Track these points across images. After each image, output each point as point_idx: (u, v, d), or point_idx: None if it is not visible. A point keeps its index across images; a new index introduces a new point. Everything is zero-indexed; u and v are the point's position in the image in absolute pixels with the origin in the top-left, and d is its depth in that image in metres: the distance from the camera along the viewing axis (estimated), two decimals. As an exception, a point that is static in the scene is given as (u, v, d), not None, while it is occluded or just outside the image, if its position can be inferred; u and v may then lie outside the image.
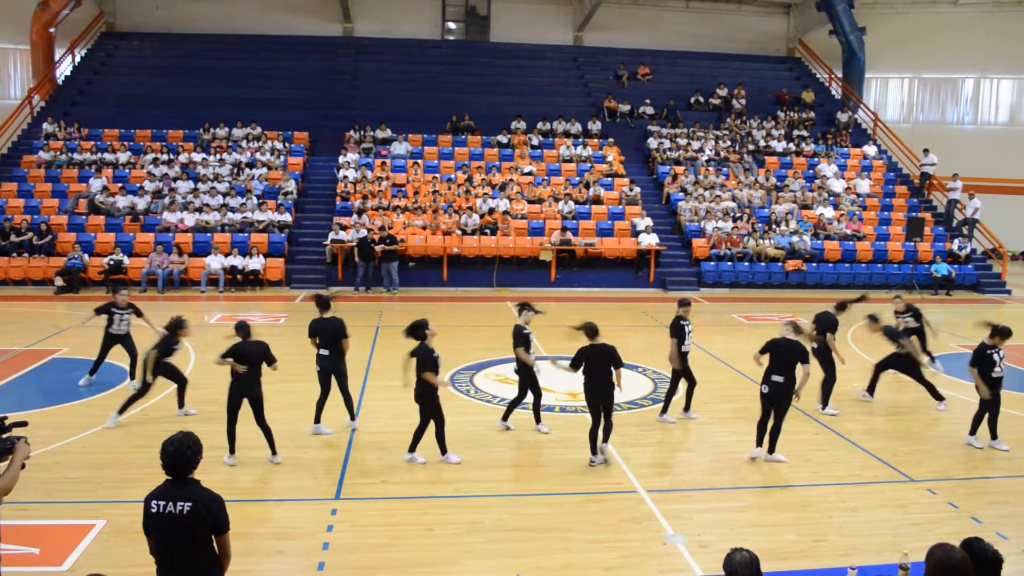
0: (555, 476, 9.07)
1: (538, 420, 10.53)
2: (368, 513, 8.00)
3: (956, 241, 26.04)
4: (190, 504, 4.86)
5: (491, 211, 24.33)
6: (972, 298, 24.30)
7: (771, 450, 9.58)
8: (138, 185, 24.54)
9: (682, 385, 11.26)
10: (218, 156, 26.29)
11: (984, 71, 36.20)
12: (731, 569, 4.24)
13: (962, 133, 36.28)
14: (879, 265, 24.99)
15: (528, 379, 10.28)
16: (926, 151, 29.42)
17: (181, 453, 4.90)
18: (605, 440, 9.38)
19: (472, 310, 20.09)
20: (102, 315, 12.29)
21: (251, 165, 26.08)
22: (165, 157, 25.89)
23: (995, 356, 10.02)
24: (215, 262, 21.81)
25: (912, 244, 24.89)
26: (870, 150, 30.42)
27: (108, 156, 25.81)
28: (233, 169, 25.78)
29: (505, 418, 10.60)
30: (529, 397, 10.49)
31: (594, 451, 9.37)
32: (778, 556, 7.19)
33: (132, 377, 12.30)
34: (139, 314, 12.42)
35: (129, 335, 12.40)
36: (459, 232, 23.61)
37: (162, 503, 4.86)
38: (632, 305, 21.11)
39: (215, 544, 4.99)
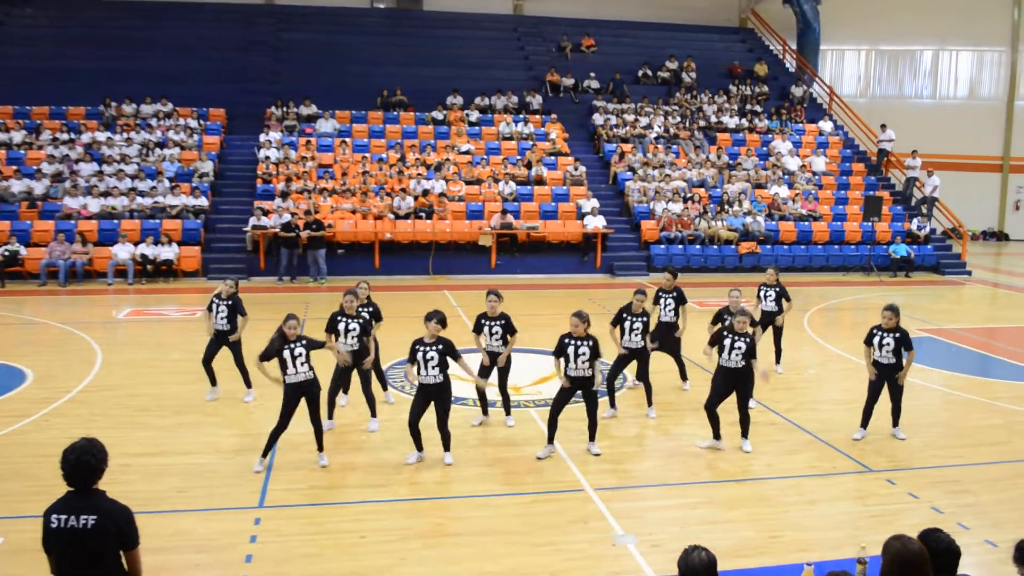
0: (497, 476, 9.08)
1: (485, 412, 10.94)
2: (295, 521, 7.92)
3: (915, 221, 26.70)
4: (95, 517, 4.75)
5: (426, 193, 24.20)
6: (932, 280, 24.96)
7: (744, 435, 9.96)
8: (35, 168, 23.85)
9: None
10: (125, 135, 25.66)
11: (943, 43, 37.15)
12: (687, 569, 4.27)
13: (921, 108, 37.23)
14: (836, 246, 25.52)
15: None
16: (883, 127, 30.10)
17: (84, 462, 4.78)
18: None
19: (407, 299, 19.95)
20: (210, 311, 11.40)
21: (162, 145, 25.52)
22: (65, 136, 25.19)
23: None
24: (123, 251, 21.33)
25: (870, 224, 25.46)
26: (826, 126, 31.00)
27: (1, 136, 25.03)
28: (142, 149, 25.19)
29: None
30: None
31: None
32: (733, 553, 7.29)
33: (249, 386, 11.60)
34: (233, 311, 11.34)
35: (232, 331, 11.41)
36: (392, 216, 23.44)
37: (64, 517, 4.73)
38: (578, 292, 21.20)
39: (124, 560, 4.88)
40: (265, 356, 8.91)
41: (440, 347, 9.14)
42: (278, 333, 9.00)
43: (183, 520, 7.90)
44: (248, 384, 11.60)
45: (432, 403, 9.20)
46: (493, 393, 10.95)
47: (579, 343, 9.35)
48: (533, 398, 11.80)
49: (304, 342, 9.02)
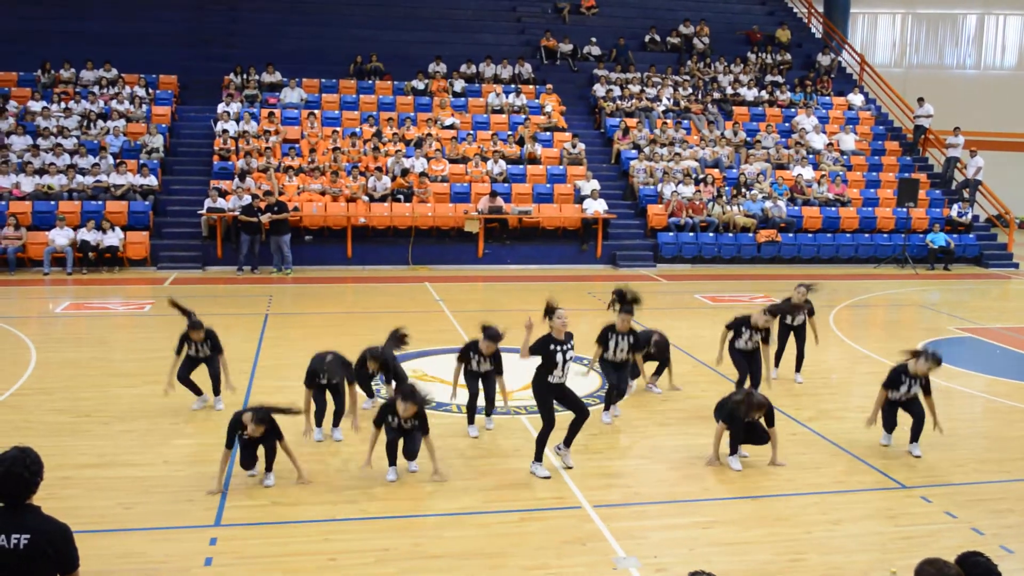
0: (484, 491, 9.10)
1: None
2: (256, 542, 7.93)
3: (955, 206, 26.77)
4: (28, 536, 4.76)
5: (405, 173, 24.18)
6: (974, 273, 25.07)
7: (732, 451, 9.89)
8: (-39, 141, 23.80)
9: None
10: (63, 104, 25.56)
11: (988, 6, 37.22)
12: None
13: (963, 79, 37.31)
14: (866, 235, 25.59)
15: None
16: (921, 100, 30.14)
17: (15, 474, 4.78)
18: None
19: (383, 293, 19.98)
20: (181, 352, 11.23)
21: (105, 116, 25.44)
22: (-5, 106, 25.14)
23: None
24: (61, 237, 21.26)
25: (904, 210, 25.53)
26: (856, 99, 31.05)
27: (-79, 105, 24.97)
28: (82, 121, 25.10)
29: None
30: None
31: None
32: (748, 580, 7.37)
33: (217, 393, 11.49)
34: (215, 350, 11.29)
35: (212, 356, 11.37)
36: (366, 199, 23.42)
37: (-8, 536, 4.75)
38: (576, 285, 21.23)
39: (61, 585, 4.89)
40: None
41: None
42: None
43: (130, 540, 7.90)
44: (217, 391, 11.51)
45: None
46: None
47: (565, 347, 9.33)
48: (525, 404, 11.81)
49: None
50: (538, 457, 9.53)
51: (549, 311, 9.39)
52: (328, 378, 10.11)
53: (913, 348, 10.33)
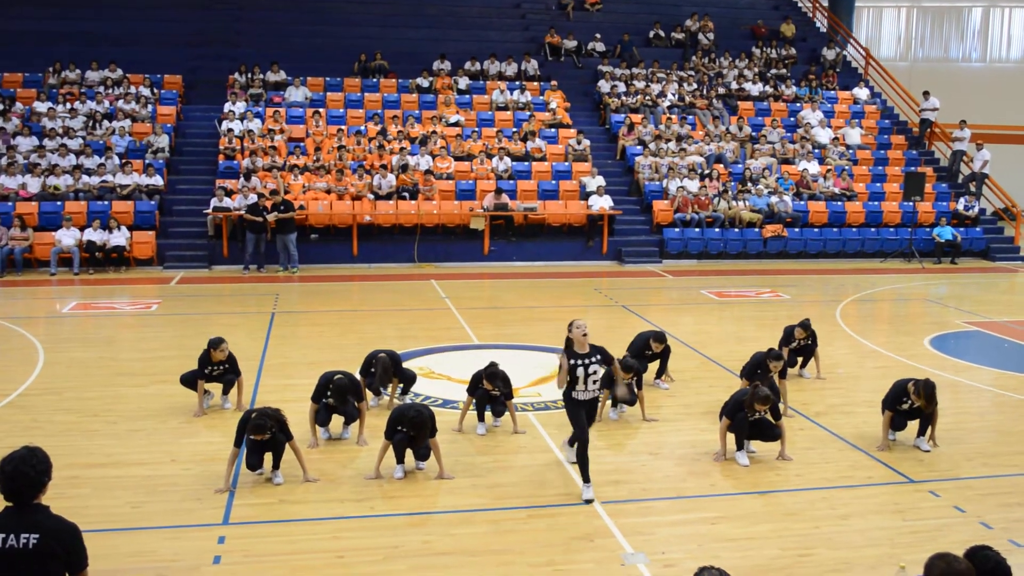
0: (492, 488, 9.10)
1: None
2: (264, 540, 7.93)
3: (962, 200, 26.71)
4: (37, 536, 4.77)
5: (404, 168, 24.16)
6: (981, 266, 24.99)
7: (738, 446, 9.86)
8: (-33, 142, 23.84)
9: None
10: (68, 105, 25.60)
11: (994, -2, 37.07)
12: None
13: (969, 72, 37.17)
14: (872, 229, 25.52)
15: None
16: (926, 94, 30.05)
17: (23, 473, 4.80)
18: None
19: (389, 290, 19.98)
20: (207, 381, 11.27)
21: (110, 116, 25.47)
22: (0, 107, 25.14)
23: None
24: (68, 237, 21.29)
25: (911, 204, 25.45)
26: (861, 93, 30.98)
27: (-73, 106, 25.01)
28: (88, 121, 25.14)
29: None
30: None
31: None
32: (756, 574, 7.35)
33: (226, 392, 11.49)
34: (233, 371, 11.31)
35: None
36: (371, 196, 23.43)
37: (0, 536, 4.75)
38: (582, 281, 21.23)
39: (70, 584, 4.90)
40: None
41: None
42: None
43: (138, 539, 7.91)
44: (226, 391, 11.53)
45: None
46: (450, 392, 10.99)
47: (588, 361, 8.71)
48: (532, 400, 11.82)
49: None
50: (585, 478, 8.86)
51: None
52: (336, 402, 10.13)
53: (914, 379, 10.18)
